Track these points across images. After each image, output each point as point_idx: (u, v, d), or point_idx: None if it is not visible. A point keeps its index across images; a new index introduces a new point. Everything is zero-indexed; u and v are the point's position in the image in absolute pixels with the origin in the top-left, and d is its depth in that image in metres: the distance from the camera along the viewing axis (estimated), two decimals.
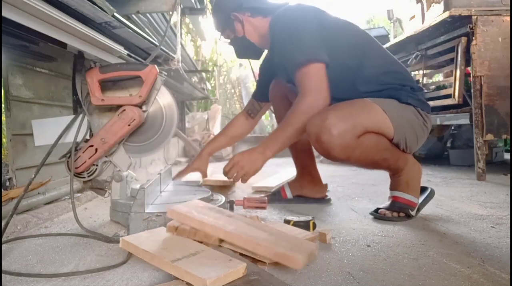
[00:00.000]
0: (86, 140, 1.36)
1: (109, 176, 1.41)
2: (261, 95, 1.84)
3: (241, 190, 2.21)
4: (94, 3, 1.20)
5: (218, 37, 1.71)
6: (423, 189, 1.53)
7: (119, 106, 1.32)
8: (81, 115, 1.37)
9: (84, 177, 1.37)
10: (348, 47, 1.45)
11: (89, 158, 1.33)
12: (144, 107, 1.37)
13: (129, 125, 1.31)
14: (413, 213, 1.43)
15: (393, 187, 1.49)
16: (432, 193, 1.53)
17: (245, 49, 1.67)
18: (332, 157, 1.35)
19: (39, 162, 1.27)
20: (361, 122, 1.32)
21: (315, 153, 1.78)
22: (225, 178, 1.42)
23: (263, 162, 1.38)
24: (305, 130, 1.36)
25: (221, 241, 0.99)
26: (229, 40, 1.66)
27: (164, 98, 1.43)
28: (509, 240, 1.14)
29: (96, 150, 1.32)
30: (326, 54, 1.39)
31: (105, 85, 1.34)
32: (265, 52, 1.75)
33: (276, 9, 1.54)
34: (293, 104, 1.40)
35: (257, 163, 1.37)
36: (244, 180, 1.39)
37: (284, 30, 1.44)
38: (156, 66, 1.34)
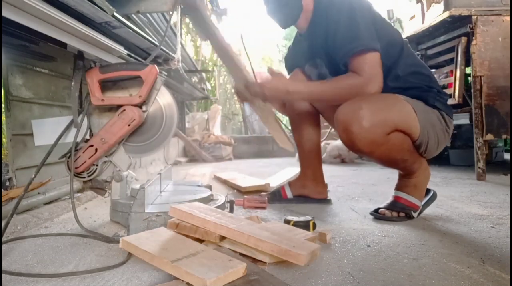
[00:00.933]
0: (86, 141, 1.36)
1: (109, 176, 1.41)
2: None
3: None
4: (94, 3, 1.20)
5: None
6: (426, 191, 1.53)
7: (119, 106, 1.32)
8: (81, 115, 1.37)
9: (84, 177, 1.37)
10: (388, 44, 1.43)
11: (89, 158, 1.33)
12: (144, 107, 1.37)
13: (129, 125, 1.31)
14: (415, 214, 1.43)
15: (399, 188, 1.48)
16: (434, 196, 1.53)
17: (283, 9, 1.54)
18: (356, 149, 1.34)
19: (39, 162, 1.27)
20: (392, 119, 1.31)
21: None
22: (260, 183, 1.44)
23: (283, 90, 1.41)
24: (338, 101, 1.35)
25: (222, 239, 0.99)
26: None
27: (164, 98, 1.43)
28: (509, 240, 1.14)
29: (96, 149, 1.32)
30: (379, 45, 1.37)
31: (105, 85, 1.34)
32: (289, 32, 1.71)
33: None
34: (346, 75, 1.38)
35: (279, 92, 1.41)
36: (264, 100, 1.44)
37: (342, 14, 1.40)
38: (156, 66, 1.34)
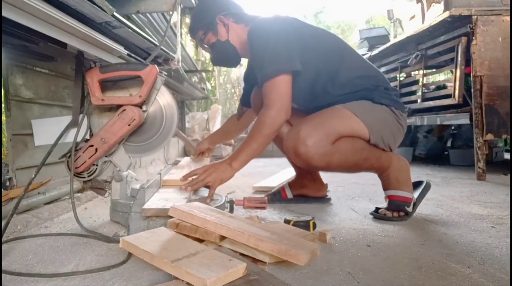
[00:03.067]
0: (86, 140, 1.36)
1: (109, 176, 1.41)
2: (245, 101, 1.87)
3: (241, 190, 2.21)
4: (94, 3, 1.20)
5: (196, 42, 1.68)
6: (418, 183, 1.55)
7: (119, 106, 1.32)
8: (80, 115, 1.37)
9: (84, 177, 1.37)
10: (325, 54, 1.48)
11: (89, 158, 1.33)
12: (144, 107, 1.37)
13: (129, 125, 1.31)
14: (409, 209, 1.43)
15: (385, 187, 1.51)
16: (428, 186, 1.55)
17: (224, 56, 1.62)
18: (313, 166, 1.41)
19: (39, 162, 1.27)
20: (333, 128, 1.36)
21: None
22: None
23: (230, 173, 1.40)
24: (269, 142, 1.42)
25: (222, 239, 0.99)
26: (208, 46, 1.61)
27: (164, 98, 1.43)
28: (509, 240, 1.14)
29: (96, 149, 1.32)
30: (298, 63, 1.41)
31: (105, 85, 1.34)
32: (244, 60, 1.77)
33: (255, 20, 1.55)
34: (257, 117, 1.44)
35: (225, 173, 1.39)
36: (213, 188, 1.39)
37: (259, 41, 1.45)
38: (156, 66, 1.34)
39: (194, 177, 1.42)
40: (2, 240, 1.15)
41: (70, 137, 1.36)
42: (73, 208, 1.26)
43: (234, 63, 1.69)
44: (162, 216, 1.15)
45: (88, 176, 1.37)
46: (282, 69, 1.39)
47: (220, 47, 1.58)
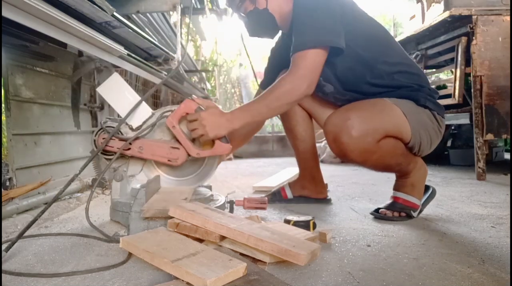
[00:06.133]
0: (133, 129, 1.36)
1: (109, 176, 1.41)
2: (268, 84, 1.72)
3: (241, 190, 2.21)
4: (94, 3, 1.20)
5: (231, 12, 1.58)
6: (425, 189, 1.53)
7: (176, 140, 1.33)
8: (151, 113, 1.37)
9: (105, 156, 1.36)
10: (366, 39, 1.39)
11: (117, 148, 1.32)
12: (191, 158, 1.36)
13: (168, 161, 1.32)
14: (415, 214, 1.43)
15: (397, 188, 1.48)
16: (433, 193, 1.53)
17: (261, 25, 1.51)
18: (348, 159, 1.33)
19: (39, 162, 1.27)
20: (382, 126, 1.29)
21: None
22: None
23: (226, 130, 1.28)
24: (279, 111, 1.32)
25: (222, 238, 0.99)
26: (244, 15, 1.50)
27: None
28: (509, 240, 1.14)
29: (129, 149, 1.33)
30: (343, 40, 1.32)
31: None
32: (279, 35, 1.64)
33: None
34: (278, 80, 1.33)
35: (221, 128, 1.28)
36: (202, 140, 1.30)
37: (306, 6, 1.36)
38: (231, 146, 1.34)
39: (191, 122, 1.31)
40: (2, 240, 1.15)
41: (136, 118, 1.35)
42: (89, 199, 1.27)
43: (271, 34, 1.57)
44: (162, 217, 1.15)
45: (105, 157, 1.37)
46: (323, 41, 1.29)
47: (257, 15, 1.47)
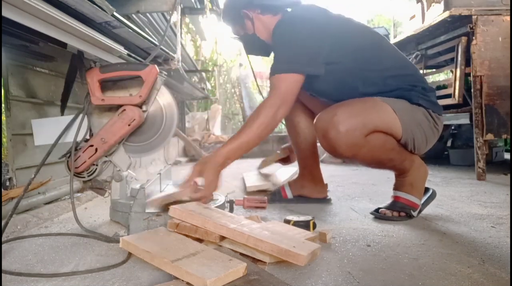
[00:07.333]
0: (86, 140, 1.36)
1: (109, 175, 1.41)
2: None
3: (241, 190, 2.21)
4: (94, 3, 1.20)
5: (229, 33, 1.69)
6: (425, 190, 1.52)
7: (119, 106, 1.32)
8: (80, 115, 1.37)
9: (84, 177, 1.37)
10: (353, 51, 1.42)
11: (89, 158, 1.33)
12: (144, 107, 1.37)
13: (129, 125, 1.31)
14: (414, 214, 1.43)
15: (396, 187, 1.49)
16: (433, 194, 1.53)
17: (254, 46, 1.65)
18: (338, 154, 1.35)
19: (39, 162, 1.27)
20: (370, 121, 1.32)
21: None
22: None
23: (221, 171, 1.28)
24: (262, 136, 1.31)
25: (222, 239, 0.99)
26: (238, 37, 1.65)
27: (164, 98, 1.42)
28: (509, 240, 1.14)
29: (96, 149, 1.32)
30: (318, 67, 1.38)
31: (105, 85, 1.34)
32: None
33: (286, 7, 1.53)
34: (254, 113, 1.35)
35: (213, 184, 1.26)
36: (204, 202, 1.24)
37: (282, 38, 1.42)
38: (156, 66, 1.34)
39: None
40: (2, 240, 1.15)
41: (70, 137, 1.36)
42: (73, 208, 1.26)
43: (265, 53, 1.69)
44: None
45: (88, 176, 1.37)
46: (296, 69, 1.36)
47: (248, 39, 1.62)
